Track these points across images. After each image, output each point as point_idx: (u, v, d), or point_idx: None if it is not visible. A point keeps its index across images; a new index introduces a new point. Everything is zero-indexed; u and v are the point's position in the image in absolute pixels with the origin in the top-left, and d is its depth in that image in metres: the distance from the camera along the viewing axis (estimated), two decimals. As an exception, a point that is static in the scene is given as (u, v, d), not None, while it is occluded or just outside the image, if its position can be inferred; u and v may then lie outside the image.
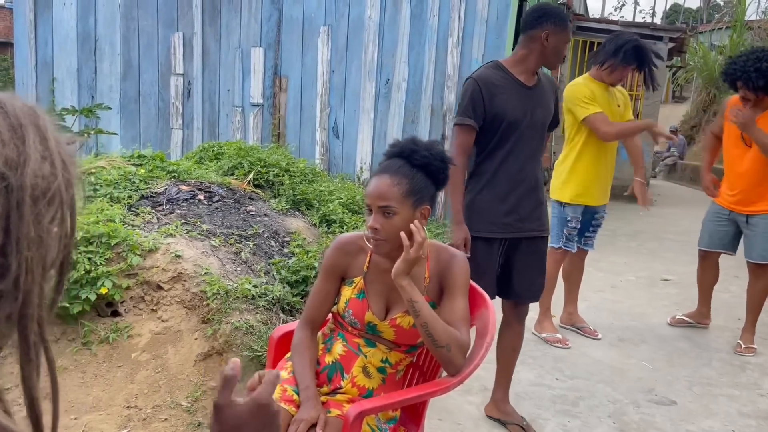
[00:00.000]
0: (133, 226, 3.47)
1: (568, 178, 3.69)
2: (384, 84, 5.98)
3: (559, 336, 3.78)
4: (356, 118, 6.10)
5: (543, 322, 3.87)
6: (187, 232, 3.47)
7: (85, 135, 5.87)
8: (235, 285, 3.16)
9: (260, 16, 6.24)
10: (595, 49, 10.25)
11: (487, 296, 1.82)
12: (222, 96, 6.51)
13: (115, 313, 3.18)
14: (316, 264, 3.49)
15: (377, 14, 5.89)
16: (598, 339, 3.88)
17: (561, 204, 3.72)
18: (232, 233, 3.62)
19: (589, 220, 3.82)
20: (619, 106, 3.69)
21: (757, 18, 15.00)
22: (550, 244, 3.81)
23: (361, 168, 6.09)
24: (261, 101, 6.36)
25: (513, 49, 6.07)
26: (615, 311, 4.43)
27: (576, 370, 3.42)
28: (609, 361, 3.57)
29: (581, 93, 3.55)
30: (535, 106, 2.57)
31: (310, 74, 6.18)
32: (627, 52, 3.46)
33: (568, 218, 3.72)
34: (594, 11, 32.03)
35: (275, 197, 4.38)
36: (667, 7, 32.73)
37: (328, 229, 4.07)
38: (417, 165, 1.63)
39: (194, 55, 6.51)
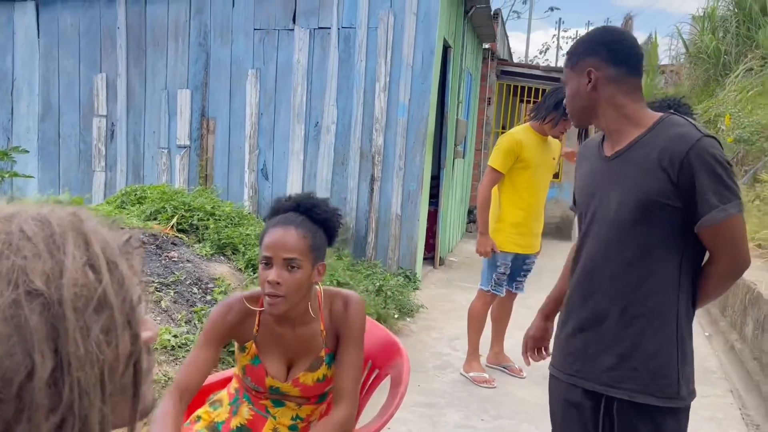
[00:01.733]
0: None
1: (498, 225, 3.76)
2: (313, 126, 6.03)
3: (485, 376, 3.83)
4: (286, 160, 6.10)
5: (471, 362, 3.92)
6: (104, 281, 3.35)
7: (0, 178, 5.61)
8: (154, 336, 3.05)
9: (187, 58, 6.20)
10: (518, 92, 10.73)
11: (401, 344, 1.83)
12: (147, 138, 6.38)
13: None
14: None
15: (305, 59, 5.96)
16: (523, 378, 3.95)
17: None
18: (152, 281, 3.52)
19: (519, 266, 3.90)
20: (554, 158, 3.80)
21: (669, 63, 16.03)
22: (479, 286, 3.91)
23: (291, 210, 6.06)
24: (188, 143, 6.28)
25: (438, 93, 6.31)
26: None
27: (501, 410, 3.47)
28: (533, 399, 3.63)
29: (506, 144, 3.62)
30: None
31: (239, 116, 6.16)
32: None
33: (498, 264, 3.79)
34: (520, 54, 33.49)
35: (199, 242, 4.30)
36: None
37: (254, 273, 4.02)
38: (317, 220, 1.60)
39: (118, 96, 6.38)
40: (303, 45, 5.96)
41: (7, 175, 5.60)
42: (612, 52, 1.57)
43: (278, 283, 1.54)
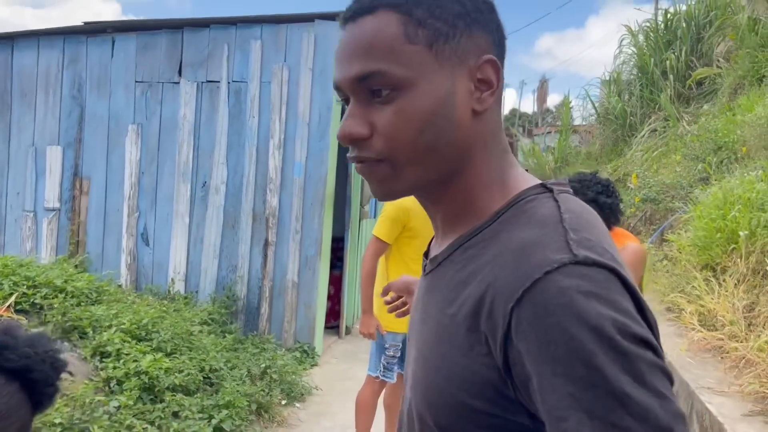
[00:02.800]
0: None
1: (381, 305, 3.32)
2: (201, 186, 5.50)
3: (374, 476, 3.30)
4: (169, 222, 5.51)
5: (360, 458, 3.39)
6: None
7: None
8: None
9: (59, 112, 5.59)
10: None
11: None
12: (10, 199, 5.65)
13: None
14: (75, 414, 2.80)
15: (192, 114, 5.48)
16: (419, 475, 3.44)
17: (378, 332, 3.30)
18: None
19: None
20: None
21: (582, 123, 16.56)
22: (368, 371, 3.42)
23: (173, 279, 5.44)
24: (57, 205, 5.59)
25: (340, 151, 5.93)
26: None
27: None
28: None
29: (393, 213, 3.18)
30: None
31: (117, 175, 5.56)
32: None
33: (387, 346, 3.31)
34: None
35: (41, 324, 3.63)
36: (507, 111, 35.86)
37: (101, 363, 3.38)
38: (8, 370, 0.96)
39: (-22, 152, 5.66)
40: (189, 99, 5.49)
41: None
42: None
43: None
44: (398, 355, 3.36)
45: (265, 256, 5.45)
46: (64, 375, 1.07)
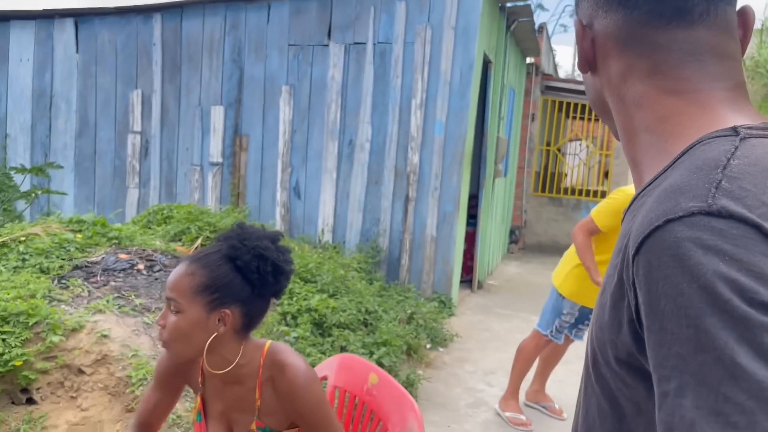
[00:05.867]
0: (59, 301, 3.19)
1: (579, 275, 3.32)
2: (347, 144, 5.85)
3: (522, 418, 3.52)
4: (318, 178, 5.93)
5: (509, 400, 3.61)
6: (119, 308, 3.20)
7: (33, 195, 5.61)
8: (165, 368, 2.88)
9: (221, 75, 6.12)
10: (564, 108, 10.36)
11: (414, 404, 1.58)
12: (180, 155, 6.31)
13: (30, 401, 2.87)
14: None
15: (340, 75, 5.80)
16: (564, 419, 3.63)
17: (560, 295, 3.41)
18: (170, 308, 3.36)
19: (587, 314, 3.49)
20: None
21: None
22: (537, 326, 3.56)
23: (323, 230, 5.88)
24: (221, 160, 6.18)
25: (477, 111, 6.03)
26: (583, 386, 4.19)
27: (539, 458, 3.16)
28: (575, 446, 3.31)
29: (619, 205, 3.07)
30: None
31: (272, 133, 6.03)
32: None
33: (564, 311, 3.42)
34: (567, 67, 32.86)
35: (224, 265, 4.13)
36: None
37: (278, 300, 3.82)
38: (229, 256, 1.30)
39: (153, 112, 6.34)
40: (338, 60, 5.80)
41: (41, 192, 5.59)
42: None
43: (162, 326, 1.31)
44: (572, 321, 3.48)
45: (406, 211, 5.74)
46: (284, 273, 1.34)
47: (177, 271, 1.31)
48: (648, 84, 0.70)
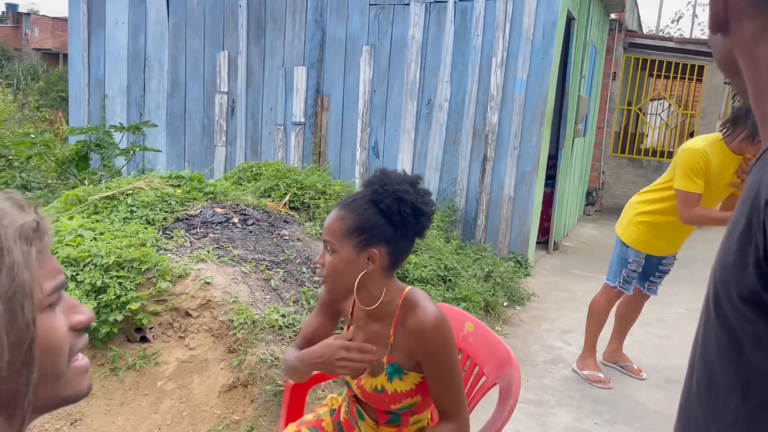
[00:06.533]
0: (165, 250, 3.48)
1: (640, 222, 3.34)
2: (425, 104, 5.89)
3: (601, 375, 3.58)
4: (397, 138, 6.02)
5: (586, 359, 3.68)
6: (219, 258, 3.46)
7: (131, 152, 5.99)
8: (263, 314, 3.11)
9: (304, 36, 6.26)
10: (647, 66, 9.93)
11: (512, 353, 1.69)
12: (265, 114, 6.54)
13: (144, 339, 3.18)
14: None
15: (420, 34, 5.82)
16: (643, 379, 3.66)
17: (624, 244, 3.42)
18: (264, 259, 3.59)
19: (655, 265, 3.51)
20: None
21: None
22: (605, 280, 3.60)
23: (401, 189, 6.00)
24: (303, 120, 6.37)
25: (558, 69, 5.92)
26: (661, 348, 4.19)
27: (617, 414, 3.23)
28: (654, 405, 3.36)
29: (695, 162, 3.03)
30: None
31: (352, 93, 6.15)
32: None
33: (630, 260, 3.43)
34: (650, 23, 31.18)
35: (310, 220, 4.34)
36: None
37: (362, 255, 3.99)
38: (373, 200, 1.41)
39: (239, 73, 6.58)
40: (418, 20, 5.81)
41: (138, 149, 5.96)
42: None
43: (320, 265, 1.47)
44: (639, 270, 3.48)
45: (483, 170, 5.77)
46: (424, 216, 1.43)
47: (330, 216, 1.45)
48: None
